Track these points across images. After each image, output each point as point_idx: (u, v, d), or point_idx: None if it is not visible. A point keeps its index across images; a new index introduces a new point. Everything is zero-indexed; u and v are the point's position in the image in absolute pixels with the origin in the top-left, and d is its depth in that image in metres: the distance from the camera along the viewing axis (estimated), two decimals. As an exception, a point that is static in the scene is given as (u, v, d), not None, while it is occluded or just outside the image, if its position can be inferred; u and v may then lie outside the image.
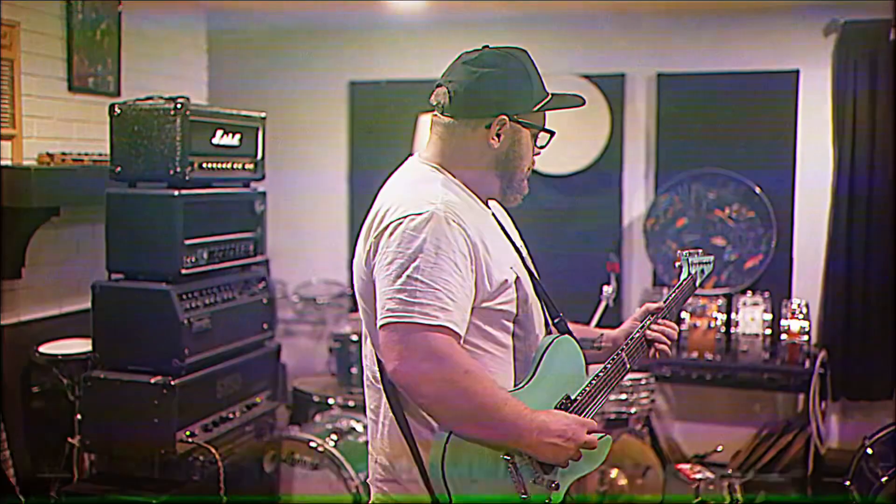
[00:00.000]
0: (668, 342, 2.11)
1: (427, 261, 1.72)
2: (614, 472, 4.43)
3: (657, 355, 2.12)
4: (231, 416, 3.47)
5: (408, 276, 1.72)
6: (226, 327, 3.42)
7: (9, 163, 3.65)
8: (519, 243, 2.09)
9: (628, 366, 2.03)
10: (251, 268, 3.71)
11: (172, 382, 3.12)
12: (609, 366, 2.00)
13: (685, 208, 5.21)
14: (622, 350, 2.05)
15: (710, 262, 2.39)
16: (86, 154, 3.78)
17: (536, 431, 1.75)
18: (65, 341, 3.68)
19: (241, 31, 5.62)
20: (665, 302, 2.18)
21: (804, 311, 4.79)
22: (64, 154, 3.76)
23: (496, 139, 1.89)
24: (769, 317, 4.82)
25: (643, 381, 4.41)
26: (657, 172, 5.33)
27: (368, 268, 1.83)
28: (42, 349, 3.62)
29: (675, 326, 2.16)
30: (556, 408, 1.87)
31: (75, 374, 3.38)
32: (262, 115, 3.69)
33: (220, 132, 3.40)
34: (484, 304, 1.82)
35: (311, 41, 5.80)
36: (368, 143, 5.72)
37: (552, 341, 1.93)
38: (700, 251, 2.37)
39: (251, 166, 3.63)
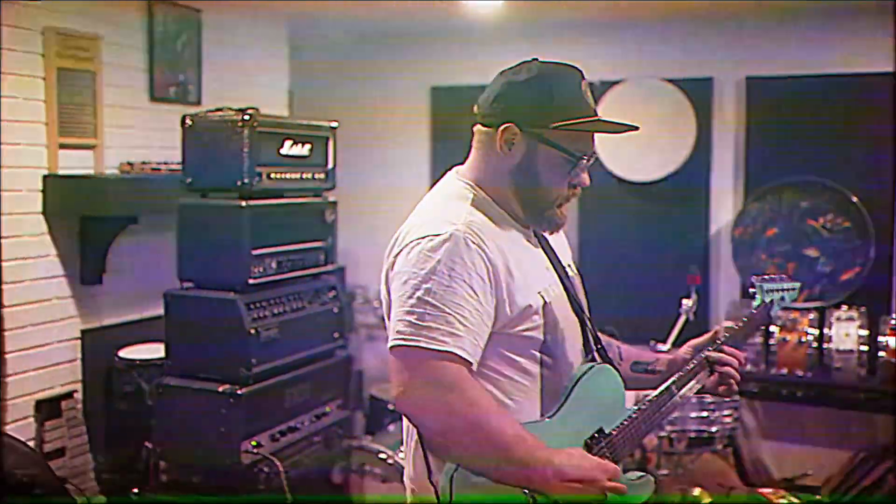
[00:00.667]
0: (733, 372, 1.95)
1: (440, 283, 1.63)
2: (697, 491, 4.26)
3: (723, 389, 1.97)
4: (299, 425, 3.47)
5: (418, 298, 1.64)
6: (295, 336, 3.43)
7: (91, 172, 3.75)
8: (567, 262, 1.99)
9: (678, 399, 1.89)
10: (322, 277, 3.70)
11: (239, 392, 3.14)
12: (654, 398, 1.87)
13: (776, 217, 4.98)
14: (672, 382, 1.90)
15: (793, 289, 2.21)
16: (164, 163, 3.85)
17: (551, 475, 1.62)
18: (145, 346, 3.76)
19: (323, 37, 5.66)
20: (728, 332, 2.03)
21: (905, 327, 4.51)
22: (144, 163, 3.84)
23: (504, 149, 1.78)
24: (865, 333, 4.55)
25: (727, 399, 4.22)
26: (746, 180, 5.12)
27: (388, 287, 1.78)
28: (122, 353, 3.70)
29: (740, 356, 1.98)
30: (587, 442, 1.76)
31: (154, 379, 3.44)
32: (333, 124, 3.68)
33: (288, 142, 3.41)
34: (507, 330, 1.73)
35: (393, 47, 5.79)
36: (449, 147, 5.64)
37: (587, 370, 1.81)
38: (783, 276, 2.20)
39: (321, 176, 3.62)
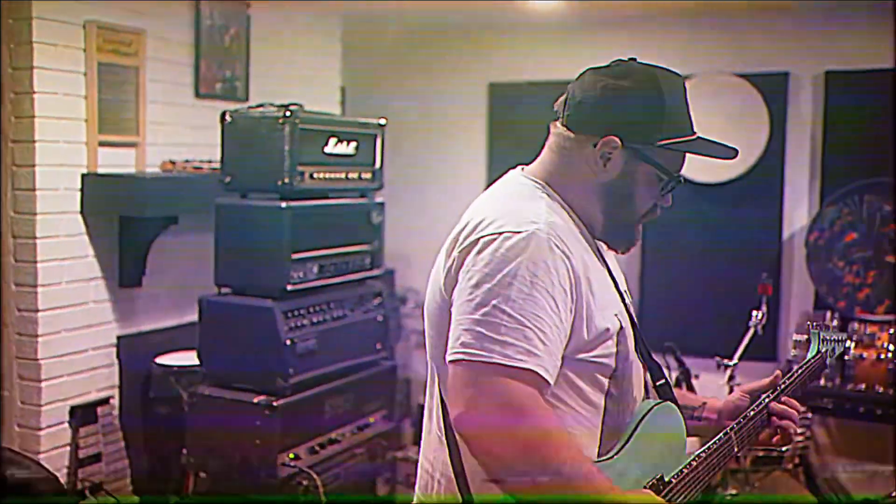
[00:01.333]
0: (792, 425, 1.78)
1: (520, 291, 1.41)
2: (765, 512, 4.00)
3: (778, 440, 1.79)
4: (340, 437, 3.31)
5: (494, 306, 1.41)
6: (336, 345, 3.27)
7: (131, 170, 3.64)
8: (624, 287, 1.77)
9: (736, 449, 1.69)
10: (367, 282, 3.53)
11: (275, 403, 2.99)
12: (715, 445, 1.66)
13: (855, 222, 4.65)
14: (732, 429, 1.70)
15: (843, 341, 2.08)
16: (208, 161, 3.73)
17: None
18: (184, 353, 3.64)
19: (377, 32, 5.50)
20: (788, 379, 1.84)
21: None
22: (186, 162, 3.72)
23: (602, 163, 1.58)
24: (952, 348, 4.22)
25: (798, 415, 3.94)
26: (823, 181, 4.82)
27: (447, 288, 1.54)
28: (160, 360, 3.58)
29: (799, 408, 1.81)
30: (646, 487, 1.55)
31: (192, 387, 3.31)
32: (381, 121, 3.51)
33: (333, 140, 3.25)
34: (579, 354, 1.52)
35: (450, 42, 5.60)
36: (507, 145, 5.47)
37: (652, 407, 1.61)
38: (835, 327, 2.09)
39: (368, 175, 3.46)
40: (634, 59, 1.64)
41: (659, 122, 1.56)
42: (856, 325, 4.46)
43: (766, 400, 1.77)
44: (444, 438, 1.60)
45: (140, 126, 3.67)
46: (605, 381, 1.56)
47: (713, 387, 3.73)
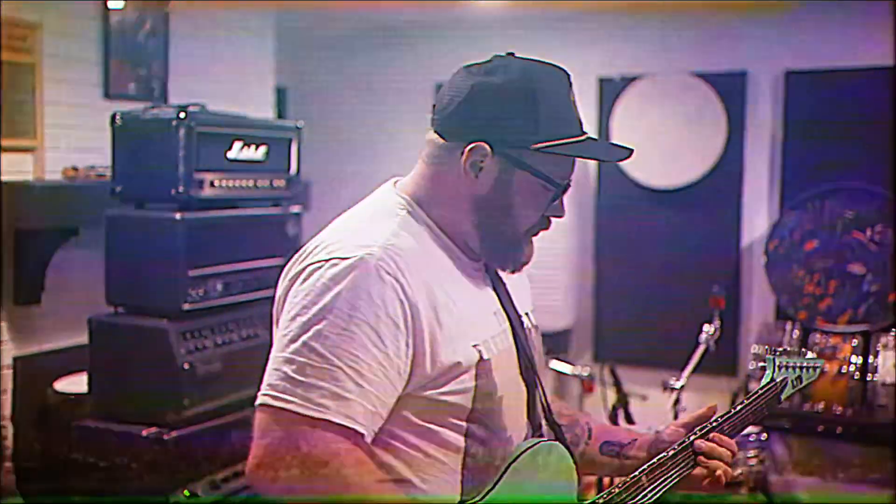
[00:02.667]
0: (721, 466, 1.51)
1: (335, 325, 1.25)
2: (721, 539, 3.77)
3: (706, 483, 1.52)
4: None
5: (303, 343, 1.25)
6: (245, 369, 2.97)
7: (29, 178, 3.35)
8: (526, 308, 1.56)
9: (649, 494, 1.46)
10: (283, 299, 3.25)
11: (165, 437, 2.71)
12: (616, 491, 1.44)
13: (816, 229, 4.44)
14: (643, 471, 1.47)
15: (814, 369, 1.78)
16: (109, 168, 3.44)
17: None
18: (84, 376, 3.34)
19: (315, 31, 5.24)
20: (722, 416, 1.58)
21: (963, 357, 3.94)
22: (90, 168, 3.44)
23: (473, 174, 1.38)
24: (918, 363, 4.00)
25: (751, 438, 3.71)
26: (783, 186, 4.63)
27: (276, 320, 1.38)
28: (58, 385, 3.29)
29: (733, 446, 1.55)
30: None
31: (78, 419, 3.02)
32: (297, 124, 3.24)
33: (238, 144, 2.97)
34: (424, 392, 1.32)
35: (394, 41, 5.34)
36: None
37: (529, 448, 1.38)
38: (805, 351, 1.78)
39: (281, 183, 3.19)
40: (512, 54, 1.42)
41: (534, 124, 1.37)
42: (817, 337, 4.25)
43: (691, 438, 1.54)
44: None
45: (38, 129, 3.38)
46: (463, 422, 1.35)
47: (663, 409, 3.50)
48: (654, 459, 1.50)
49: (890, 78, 4.31)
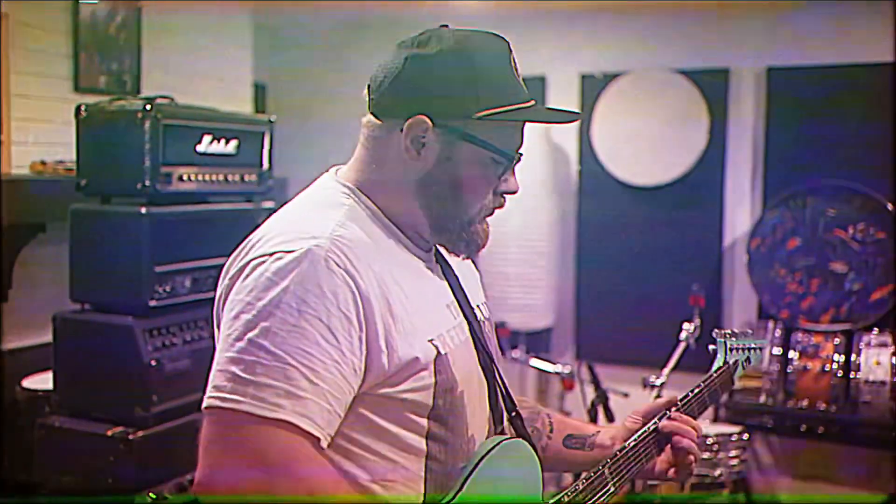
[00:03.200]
0: (692, 446, 1.52)
1: (284, 321, 1.16)
2: (700, 540, 3.72)
3: (673, 472, 1.52)
4: (218, 471, 2.96)
5: (250, 341, 1.16)
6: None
7: (-6, 172, 3.28)
8: (478, 301, 1.50)
9: (611, 487, 1.43)
10: (255, 296, 3.19)
11: (131, 437, 2.64)
12: (580, 486, 1.40)
13: (798, 227, 4.40)
14: (605, 464, 1.44)
15: (759, 349, 1.82)
16: (81, 162, 3.37)
17: None
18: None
19: (294, 28, 5.18)
20: (682, 401, 1.58)
21: (945, 355, 3.91)
22: (59, 163, 3.37)
23: (414, 151, 1.30)
24: (899, 361, 3.97)
25: (733, 437, 3.66)
26: (765, 184, 4.58)
27: (218, 322, 1.28)
28: (26, 383, 3.22)
29: (696, 425, 1.55)
30: None
31: (42, 417, 2.95)
32: (269, 118, 3.18)
33: (208, 138, 2.90)
34: (381, 390, 1.24)
35: (374, 38, 5.28)
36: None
37: (493, 446, 1.32)
38: (749, 332, 1.81)
39: (253, 178, 3.12)
40: (447, 26, 1.35)
41: (474, 90, 1.29)
42: (800, 336, 4.21)
43: (651, 426, 1.53)
44: None
45: (4, 122, 3.31)
46: (424, 421, 1.27)
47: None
48: (616, 452, 1.48)
49: (872, 75, 4.28)
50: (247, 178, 3.10)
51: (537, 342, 4.73)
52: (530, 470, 1.40)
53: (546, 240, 4.71)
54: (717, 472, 3.61)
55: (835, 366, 4.07)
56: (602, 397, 3.26)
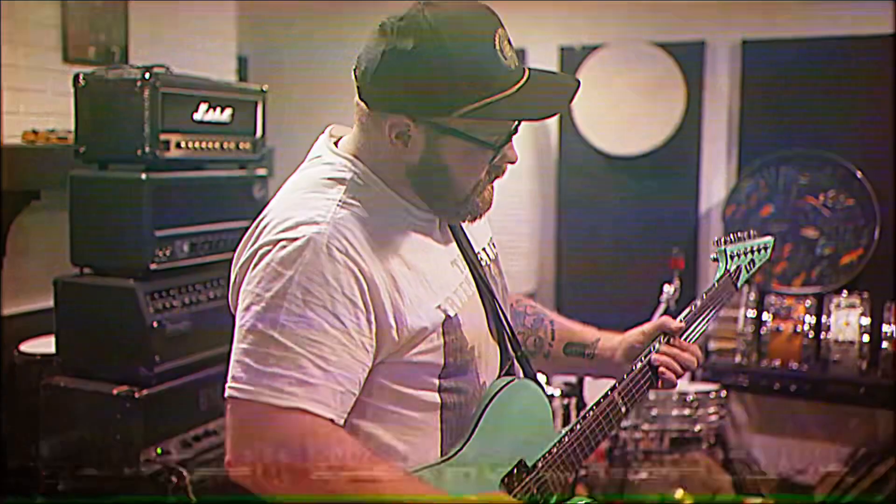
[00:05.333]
0: (680, 371, 1.58)
1: (291, 312, 1.23)
2: (679, 493, 3.88)
3: (660, 384, 1.59)
4: (218, 429, 3.05)
5: (261, 333, 1.23)
6: (212, 329, 2.99)
7: (-14, 141, 3.31)
8: (483, 243, 1.56)
9: (623, 410, 1.52)
10: (249, 260, 3.26)
11: (137, 395, 2.72)
12: (592, 413, 1.48)
13: (772, 194, 4.54)
14: (615, 390, 1.52)
15: (764, 249, 1.79)
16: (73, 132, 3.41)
17: None
18: (50, 338, 3.33)
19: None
20: (684, 318, 1.63)
21: (911, 316, 4.07)
22: (50, 132, 3.41)
23: (399, 144, 1.33)
24: (867, 321, 4.12)
25: (711, 395, 3.81)
26: (740, 153, 4.70)
27: (234, 308, 1.35)
28: (23, 347, 3.28)
29: (696, 351, 1.61)
30: (505, 480, 1.37)
31: (47, 378, 3.01)
32: (262, 87, 3.24)
33: (204, 106, 2.97)
34: (393, 359, 1.31)
35: (357, 9, 5.32)
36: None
37: (501, 388, 1.41)
38: (752, 233, 1.77)
39: (247, 145, 3.19)
40: (424, 7, 1.31)
41: (453, 89, 1.27)
42: (773, 299, 4.36)
43: (656, 346, 1.59)
44: None
45: (-3, 92, 3.34)
46: (436, 380, 1.35)
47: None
48: (624, 377, 1.54)
49: (844, 48, 4.40)
50: (241, 145, 3.16)
51: (519, 308, 4.83)
52: (538, 407, 1.48)
53: (527, 207, 4.82)
54: (697, 428, 3.76)
55: (806, 327, 4.22)
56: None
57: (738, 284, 1.74)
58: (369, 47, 1.33)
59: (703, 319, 1.66)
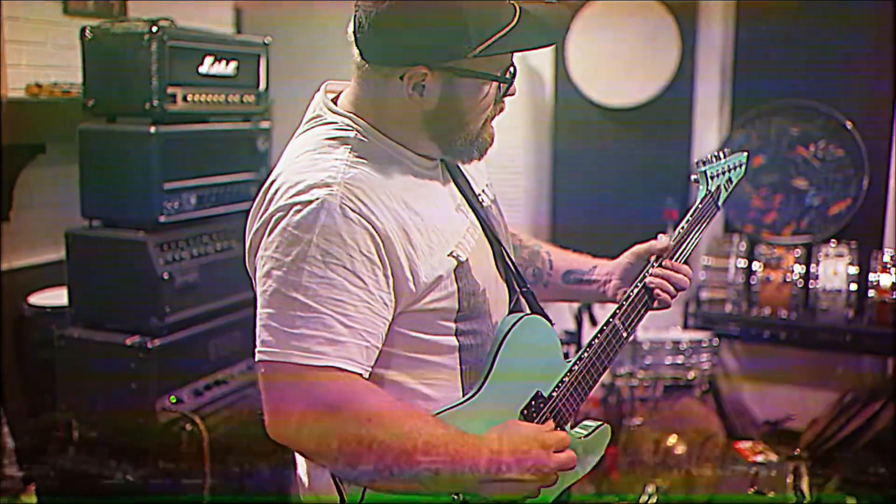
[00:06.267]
0: (673, 292, 1.63)
1: (312, 274, 1.26)
2: (672, 439, 3.98)
3: (656, 304, 1.64)
4: (228, 378, 3.12)
5: (286, 296, 1.27)
6: (220, 280, 3.06)
7: (-9, 94, 3.32)
8: (482, 186, 1.61)
9: (624, 334, 1.58)
10: (254, 213, 3.31)
11: (149, 345, 2.78)
12: (596, 341, 1.55)
13: (763, 145, 4.60)
14: (616, 315, 1.58)
15: (740, 166, 1.85)
16: (78, 85, 3.42)
17: (485, 470, 1.30)
18: (60, 290, 3.37)
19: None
20: (674, 239, 1.68)
21: (897, 264, 4.16)
22: (54, 85, 3.42)
23: (416, 95, 1.37)
24: (855, 270, 4.21)
25: (703, 343, 3.92)
26: (733, 104, 4.73)
27: (252, 271, 1.39)
28: (32, 299, 3.33)
29: (687, 270, 1.65)
30: (523, 412, 1.45)
31: (61, 329, 3.07)
32: (265, 40, 3.25)
33: (209, 59, 2.99)
34: (411, 308, 1.37)
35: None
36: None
37: (512, 326, 1.46)
38: (726, 151, 1.83)
39: (251, 98, 3.22)
40: None
41: (464, 31, 1.30)
42: (763, 249, 4.44)
43: (650, 269, 1.63)
44: None
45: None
46: (451, 324, 1.41)
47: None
48: (623, 302, 1.60)
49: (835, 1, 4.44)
50: (245, 98, 3.19)
51: (514, 259, 4.90)
52: (547, 337, 1.54)
53: (522, 159, 4.86)
54: (691, 375, 3.87)
55: (795, 276, 4.31)
56: (587, 305, 3.46)
57: (720, 203, 1.80)
58: (367, 7, 1.33)
59: (691, 239, 1.70)
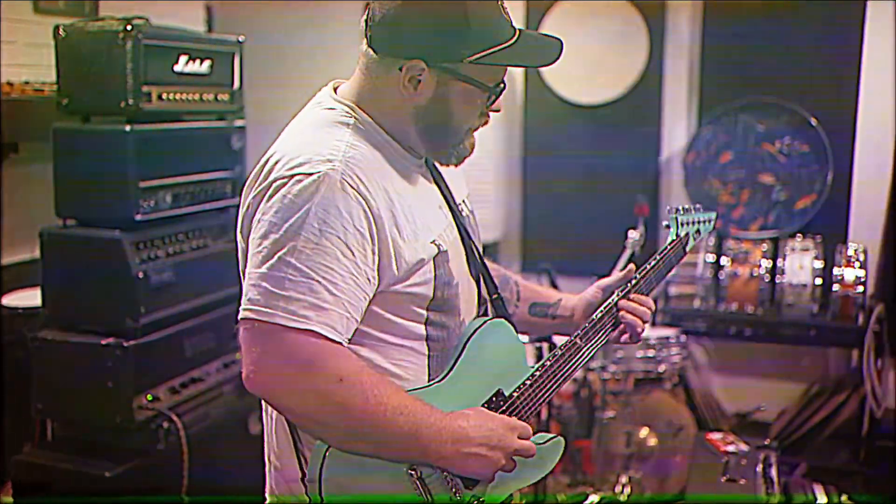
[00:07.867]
0: (640, 324, 1.71)
1: (307, 240, 1.33)
2: (644, 432, 4.06)
3: (626, 338, 1.72)
4: (204, 376, 3.13)
5: (279, 259, 1.34)
6: (196, 279, 3.06)
7: (-39, 93, 3.29)
8: (461, 196, 1.70)
9: (585, 353, 1.65)
10: (229, 210, 3.32)
11: (125, 344, 2.79)
12: (559, 353, 1.62)
13: (730, 141, 4.68)
14: (577, 335, 1.65)
15: (709, 221, 1.98)
16: (50, 84, 3.40)
17: (450, 441, 1.39)
18: (34, 291, 3.36)
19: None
20: (640, 274, 1.76)
21: (861, 258, 4.25)
22: (25, 84, 3.40)
23: (411, 87, 1.46)
24: (820, 264, 4.31)
25: (672, 339, 3.98)
26: (701, 101, 4.81)
27: (245, 236, 1.45)
28: (6, 300, 3.31)
29: (650, 304, 1.74)
30: (484, 406, 1.52)
31: (34, 331, 3.05)
32: (239, 38, 3.26)
33: (184, 58, 2.99)
34: (391, 289, 1.44)
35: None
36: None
37: (480, 325, 1.56)
38: (699, 207, 1.97)
39: (226, 97, 3.23)
40: None
41: (464, 37, 1.43)
42: (731, 243, 4.52)
43: (615, 299, 1.71)
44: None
45: (-32, 44, 3.32)
46: (423, 311, 1.48)
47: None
48: (586, 323, 1.67)
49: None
50: (220, 97, 3.20)
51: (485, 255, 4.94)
52: (513, 344, 1.63)
53: (492, 156, 4.90)
54: (662, 369, 3.93)
55: (762, 270, 4.39)
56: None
57: (687, 249, 1.91)
58: (384, 3, 1.44)
59: (656, 277, 1.79)
